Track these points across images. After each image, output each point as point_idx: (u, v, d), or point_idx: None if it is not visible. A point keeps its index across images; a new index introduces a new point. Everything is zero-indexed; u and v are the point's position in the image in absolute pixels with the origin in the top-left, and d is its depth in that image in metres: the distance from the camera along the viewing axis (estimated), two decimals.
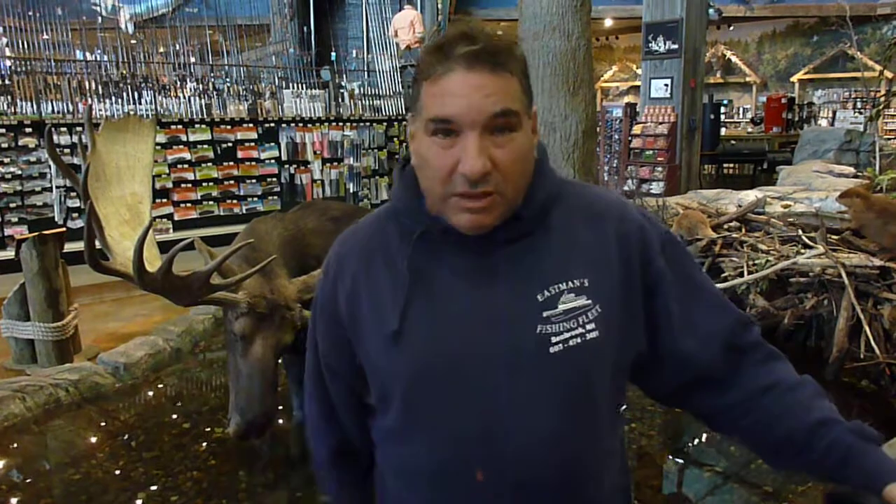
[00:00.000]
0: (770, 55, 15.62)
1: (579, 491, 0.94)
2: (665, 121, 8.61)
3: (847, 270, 3.66)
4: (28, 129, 6.17)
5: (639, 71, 11.29)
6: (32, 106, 6.23)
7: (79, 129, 6.25)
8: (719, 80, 16.07)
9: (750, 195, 5.42)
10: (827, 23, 12.55)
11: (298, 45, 9.38)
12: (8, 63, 6.41)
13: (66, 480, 2.68)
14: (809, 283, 3.83)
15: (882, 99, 7.61)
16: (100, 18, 8.82)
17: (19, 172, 6.17)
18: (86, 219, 1.94)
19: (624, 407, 1.03)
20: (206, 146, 7.16)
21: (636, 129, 8.91)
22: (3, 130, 6.07)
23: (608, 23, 14.71)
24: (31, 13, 6.88)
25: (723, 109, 13.07)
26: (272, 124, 7.57)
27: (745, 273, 3.99)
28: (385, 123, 8.41)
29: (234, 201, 7.40)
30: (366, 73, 9.21)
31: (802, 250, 4.08)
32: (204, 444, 2.95)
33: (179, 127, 6.98)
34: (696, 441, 3.03)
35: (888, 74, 7.56)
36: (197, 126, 7.10)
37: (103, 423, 3.16)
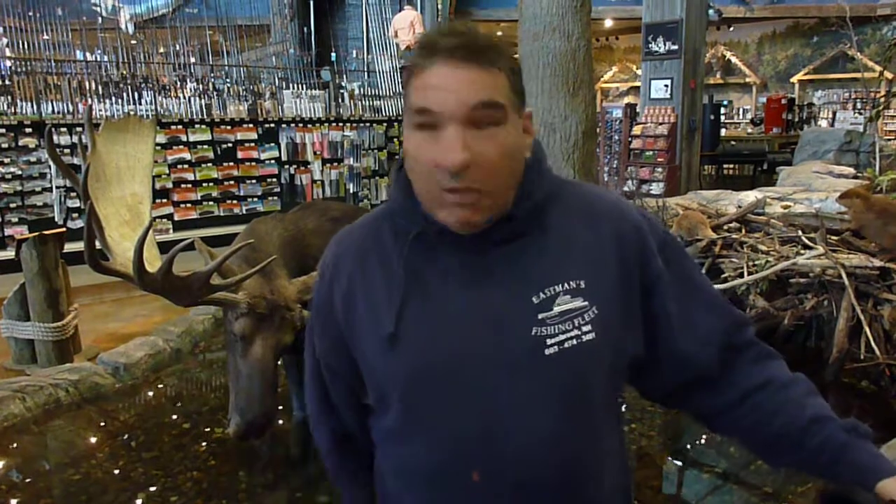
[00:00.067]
0: (770, 56, 15.62)
1: (579, 491, 0.94)
2: (665, 121, 8.61)
3: (847, 271, 3.66)
4: (28, 130, 6.17)
5: (639, 72, 11.29)
6: (32, 106, 6.23)
7: (79, 129, 6.25)
8: (719, 80, 16.07)
9: (750, 196, 5.42)
10: (827, 23, 12.56)
11: (298, 46, 9.39)
12: (8, 63, 6.41)
13: (65, 481, 2.68)
14: (809, 283, 3.83)
15: (882, 100, 7.59)
16: (100, 19, 8.83)
17: (19, 172, 6.17)
18: (86, 219, 1.94)
19: (623, 407, 1.03)
20: (206, 146, 7.17)
21: (636, 130, 8.91)
22: (3, 130, 6.07)
23: (608, 23, 14.72)
24: (31, 13, 6.89)
25: (723, 110, 13.06)
26: (272, 125, 7.57)
27: (745, 274, 3.99)
28: (385, 124, 8.41)
29: (234, 202, 7.40)
30: (366, 73, 9.21)
31: (802, 251, 4.08)
32: (204, 444, 2.95)
33: (179, 127, 6.98)
34: (696, 442, 3.03)
35: (888, 75, 7.56)
36: (197, 126, 7.10)
37: (103, 424, 3.16)
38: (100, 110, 6.48)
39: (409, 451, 0.96)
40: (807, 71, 14.92)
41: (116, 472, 2.71)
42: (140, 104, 6.81)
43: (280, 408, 2.72)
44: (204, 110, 7.18)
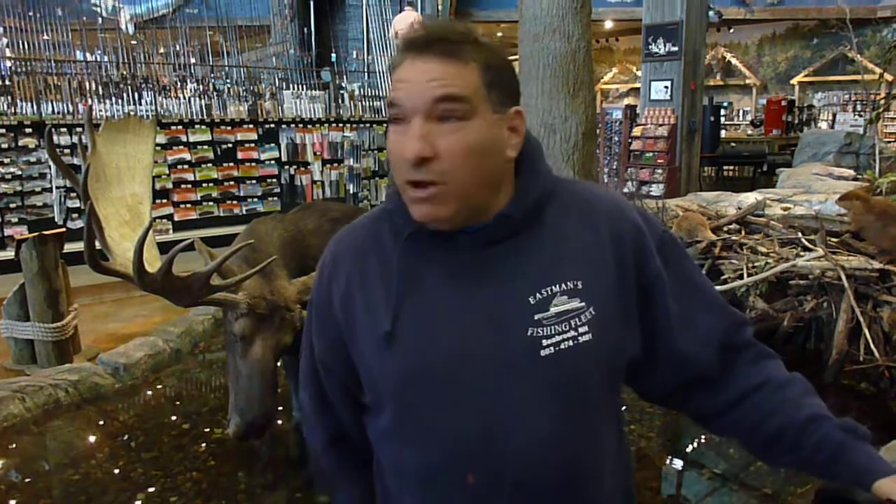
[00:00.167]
0: (770, 57, 15.63)
1: (579, 491, 0.94)
2: (665, 123, 8.61)
3: (847, 273, 3.67)
4: (28, 130, 6.16)
5: (639, 73, 11.29)
6: (32, 106, 6.23)
7: (79, 129, 6.25)
8: (719, 82, 16.07)
9: (750, 197, 5.42)
10: (827, 25, 12.58)
11: (299, 47, 9.39)
12: (8, 63, 6.41)
13: (65, 481, 2.68)
14: (809, 285, 3.83)
15: (882, 102, 7.60)
16: (100, 19, 8.84)
17: (19, 173, 6.17)
18: (86, 219, 1.94)
19: (623, 408, 1.03)
20: (206, 147, 7.16)
21: (636, 131, 8.91)
22: (3, 131, 6.07)
23: (608, 25, 14.72)
24: (31, 14, 6.90)
25: (723, 112, 13.06)
26: (272, 125, 7.57)
27: (745, 275, 3.99)
28: (385, 125, 8.40)
29: (234, 202, 7.40)
30: (366, 74, 9.21)
31: (802, 253, 4.08)
32: (203, 444, 2.95)
33: (179, 128, 6.98)
34: (696, 443, 3.03)
35: (888, 77, 7.57)
36: (197, 127, 7.10)
37: (102, 424, 3.16)
38: (100, 111, 6.48)
39: (407, 450, 0.96)
40: (807, 73, 14.93)
41: (116, 472, 2.71)
42: (140, 104, 6.81)
43: (280, 408, 2.72)
44: (204, 111, 7.18)
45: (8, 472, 2.73)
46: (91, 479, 2.66)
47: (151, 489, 2.58)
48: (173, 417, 3.24)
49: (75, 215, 6.38)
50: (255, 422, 2.07)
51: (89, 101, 6.50)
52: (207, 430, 3.08)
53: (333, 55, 9.04)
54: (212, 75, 7.78)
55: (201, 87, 7.35)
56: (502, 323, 0.90)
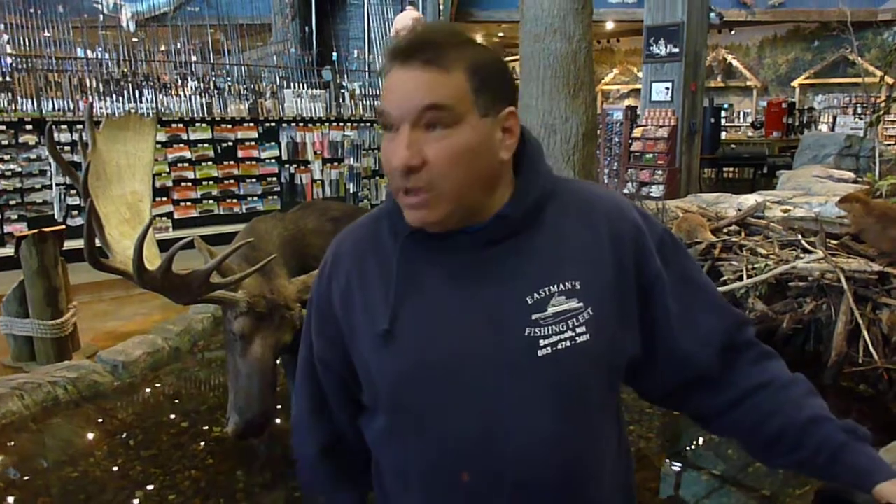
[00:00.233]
0: (771, 59, 15.63)
1: (579, 491, 0.94)
2: (665, 124, 8.61)
3: (846, 275, 3.67)
4: (28, 127, 6.16)
5: (639, 74, 11.29)
6: (33, 103, 6.23)
7: (79, 126, 6.25)
8: (720, 83, 16.08)
9: (750, 199, 5.42)
10: (828, 28, 12.57)
11: (300, 45, 9.40)
12: (9, 60, 6.41)
13: (63, 479, 2.68)
14: (808, 287, 3.83)
15: (882, 104, 7.60)
16: (101, 16, 8.83)
17: (19, 169, 6.16)
18: (86, 217, 1.94)
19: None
20: (206, 145, 7.16)
21: (636, 132, 8.91)
22: (3, 127, 6.07)
23: (609, 25, 14.72)
24: (32, 10, 6.89)
25: (723, 113, 13.07)
26: (273, 124, 7.56)
27: (745, 277, 3.99)
28: None
29: (234, 200, 7.40)
30: (367, 73, 9.21)
31: (802, 255, 4.08)
32: (202, 443, 2.95)
33: (180, 125, 6.98)
34: (694, 444, 3.03)
35: (889, 80, 7.56)
36: (197, 125, 7.10)
37: (101, 422, 3.16)
38: (100, 108, 6.48)
39: (406, 450, 0.96)
40: (808, 75, 14.93)
41: (115, 470, 2.71)
42: (141, 102, 6.81)
43: (279, 407, 2.72)
44: (205, 109, 7.18)
45: (6, 469, 2.73)
46: (90, 477, 2.66)
47: (150, 487, 2.58)
48: (172, 416, 3.24)
49: (75, 212, 6.38)
50: (254, 420, 2.07)
51: (90, 98, 6.50)
52: (206, 428, 3.08)
53: (334, 54, 9.05)
54: (213, 73, 7.78)
55: (202, 85, 7.35)
56: (501, 323, 0.90)
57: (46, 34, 6.91)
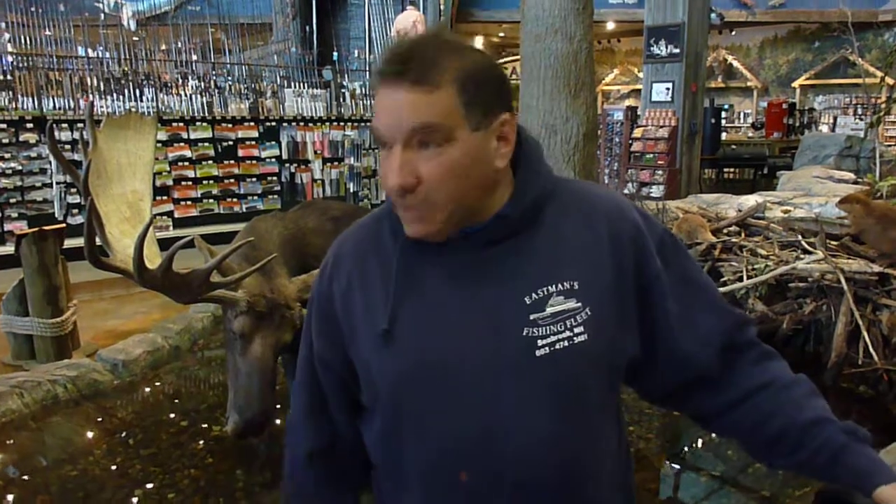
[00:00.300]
0: (771, 60, 15.63)
1: (578, 491, 0.94)
2: (666, 124, 8.61)
3: (846, 276, 3.67)
4: (29, 125, 6.16)
5: (640, 74, 11.29)
6: (34, 101, 6.23)
7: (80, 125, 6.25)
8: (720, 84, 16.07)
9: (750, 200, 5.42)
10: (829, 29, 12.57)
11: (300, 45, 9.40)
12: (10, 58, 6.41)
13: (63, 477, 2.68)
14: (808, 288, 3.83)
15: (883, 105, 7.60)
16: (102, 15, 8.84)
17: (20, 168, 6.17)
18: (86, 215, 1.94)
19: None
20: (206, 144, 7.16)
21: (637, 133, 8.91)
22: (4, 126, 6.07)
23: (610, 26, 14.71)
24: (33, 9, 6.89)
25: (724, 114, 13.06)
26: (273, 123, 7.57)
27: (745, 278, 3.99)
28: None
29: (235, 199, 7.40)
30: (367, 73, 9.21)
31: (802, 255, 4.08)
32: (202, 442, 2.95)
33: (181, 124, 6.98)
34: (694, 445, 3.03)
35: (889, 81, 7.55)
36: (198, 124, 7.10)
37: (101, 420, 3.16)
38: (101, 107, 6.48)
39: (405, 450, 0.96)
40: (808, 76, 14.92)
41: (114, 468, 2.71)
42: (141, 101, 6.81)
43: (278, 406, 2.72)
44: (205, 108, 7.18)
45: (6, 467, 2.73)
46: (89, 476, 2.66)
47: (149, 486, 2.58)
48: (172, 414, 3.24)
49: (76, 211, 6.38)
50: (254, 420, 2.07)
51: (91, 96, 6.50)
52: (206, 427, 3.08)
53: (335, 54, 9.05)
54: (213, 72, 7.78)
55: (203, 84, 7.36)
56: (500, 323, 0.90)
57: (47, 33, 6.91)
